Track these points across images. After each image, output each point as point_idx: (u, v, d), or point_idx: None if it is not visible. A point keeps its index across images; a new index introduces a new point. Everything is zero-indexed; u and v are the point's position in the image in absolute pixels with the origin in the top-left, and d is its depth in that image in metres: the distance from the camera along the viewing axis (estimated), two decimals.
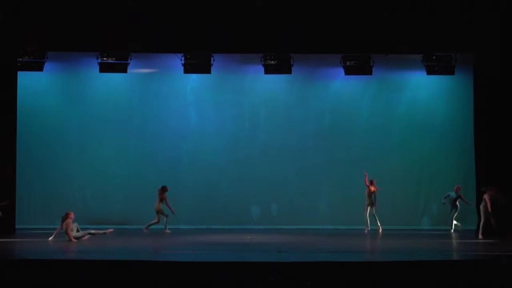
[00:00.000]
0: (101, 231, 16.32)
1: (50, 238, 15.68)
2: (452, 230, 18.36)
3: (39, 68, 18.51)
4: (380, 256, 13.48)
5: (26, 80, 18.66)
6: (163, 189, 17.99)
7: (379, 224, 18.19)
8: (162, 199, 17.93)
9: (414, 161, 19.89)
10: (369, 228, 18.19)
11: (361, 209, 18.55)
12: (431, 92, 20.09)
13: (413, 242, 16.18)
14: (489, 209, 16.54)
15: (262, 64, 18.83)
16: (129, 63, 18.80)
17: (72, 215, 15.79)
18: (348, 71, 19.05)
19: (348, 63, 18.90)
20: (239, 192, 18.93)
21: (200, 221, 19.39)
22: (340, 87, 20.06)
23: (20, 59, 18.06)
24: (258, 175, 19.45)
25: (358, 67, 18.88)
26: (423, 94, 20.11)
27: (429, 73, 19.03)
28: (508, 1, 16.92)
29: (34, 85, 19.31)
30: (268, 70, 18.87)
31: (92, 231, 16.22)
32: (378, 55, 18.67)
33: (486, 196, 16.66)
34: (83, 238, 15.78)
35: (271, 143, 19.90)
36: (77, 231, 15.81)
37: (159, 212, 17.96)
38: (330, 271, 11.24)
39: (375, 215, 18.21)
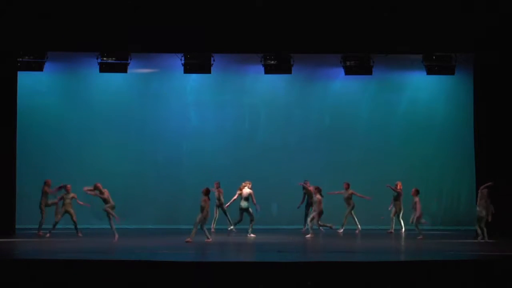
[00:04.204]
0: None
1: None
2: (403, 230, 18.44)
3: (39, 68, 18.49)
4: (380, 256, 13.48)
5: (26, 80, 18.63)
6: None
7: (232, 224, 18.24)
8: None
9: (414, 160, 19.88)
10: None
11: (361, 209, 18.55)
12: (431, 92, 20.09)
13: (413, 242, 16.19)
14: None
15: (262, 64, 18.81)
16: (129, 63, 18.76)
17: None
18: (348, 71, 19.03)
19: (348, 63, 18.87)
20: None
21: None
22: (340, 87, 20.05)
23: (20, 59, 18.03)
24: (258, 175, 19.42)
25: (358, 67, 18.85)
26: (423, 94, 20.11)
27: (429, 73, 19.01)
28: (508, 1, 16.92)
29: (34, 85, 19.29)
30: (268, 70, 18.85)
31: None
32: (378, 55, 18.66)
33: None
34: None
35: (271, 143, 19.90)
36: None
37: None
38: (330, 271, 11.25)
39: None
